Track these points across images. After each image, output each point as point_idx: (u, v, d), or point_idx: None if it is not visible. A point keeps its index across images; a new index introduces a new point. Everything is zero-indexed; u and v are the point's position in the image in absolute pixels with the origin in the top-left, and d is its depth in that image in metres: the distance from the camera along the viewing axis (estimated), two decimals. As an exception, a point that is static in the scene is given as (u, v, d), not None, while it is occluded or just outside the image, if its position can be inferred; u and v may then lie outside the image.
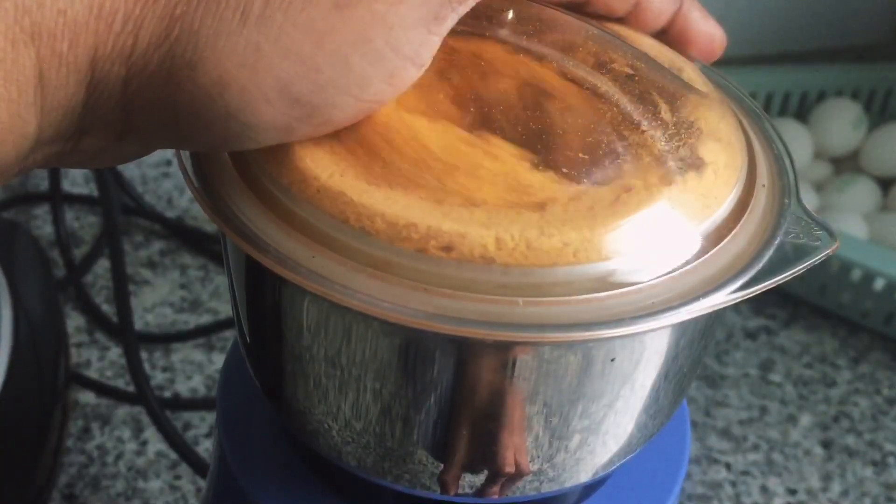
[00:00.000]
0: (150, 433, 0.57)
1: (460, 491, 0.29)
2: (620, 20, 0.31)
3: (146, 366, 0.60)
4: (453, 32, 0.28)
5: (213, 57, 0.23)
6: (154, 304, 0.65)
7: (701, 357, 0.30)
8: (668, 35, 0.31)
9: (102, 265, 0.67)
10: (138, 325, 0.63)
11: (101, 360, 0.61)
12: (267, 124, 0.24)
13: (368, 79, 0.24)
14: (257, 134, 0.24)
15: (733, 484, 0.57)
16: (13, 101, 0.22)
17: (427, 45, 0.25)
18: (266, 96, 0.23)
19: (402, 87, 0.25)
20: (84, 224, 0.71)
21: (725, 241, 0.26)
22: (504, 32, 0.29)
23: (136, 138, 0.25)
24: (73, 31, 0.23)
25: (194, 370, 0.61)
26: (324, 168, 0.25)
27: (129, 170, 0.74)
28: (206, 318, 0.64)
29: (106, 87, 0.24)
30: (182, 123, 0.24)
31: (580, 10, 0.31)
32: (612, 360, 0.26)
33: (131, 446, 0.57)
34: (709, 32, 0.31)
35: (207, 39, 0.23)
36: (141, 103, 0.24)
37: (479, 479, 0.29)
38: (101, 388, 0.59)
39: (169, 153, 0.74)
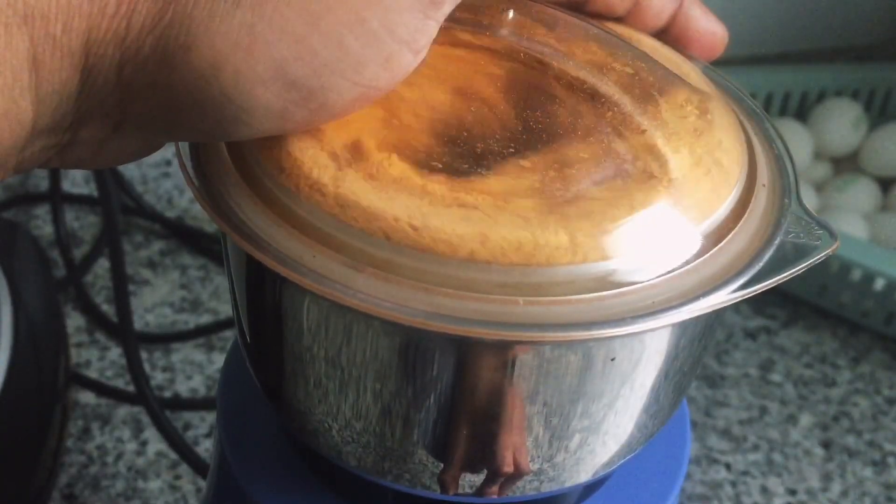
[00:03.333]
0: (150, 433, 0.57)
1: (460, 491, 0.29)
2: (621, 19, 0.31)
3: (146, 366, 0.60)
4: (453, 31, 0.28)
5: (206, 39, 0.23)
6: (154, 304, 0.65)
7: (701, 357, 0.30)
8: (669, 34, 0.31)
9: (102, 265, 0.67)
10: (138, 325, 0.63)
11: (101, 360, 0.61)
12: (262, 108, 0.24)
13: (364, 62, 0.24)
14: (253, 118, 0.24)
15: (733, 484, 0.57)
16: (7, 86, 0.22)
17: (424, 30, 0.24)
18: (261, 78, 0.23)
19: (401, 74, 0.25)
20: (84, 224, 0.71)
21: (725, 240, 0.26)
22: (504, 32, 0.29)
23: (133, 127, 0.25)
24: (66, 13, 0.23)
25: (194, 370, 0.61)
26: (323, 167, 0.25)
27: (129, 170, 0.74)
28: (206, 318, 0.64)
29: (101, 73, 0.24)
30: (177, 109, 0.24)
31: (580, 10, 0.31)
32: (613, 359, 0.26)
33: (131, 446, 0.57)
34: (710, 30, 0.31)
35: (201, 21, 0.23)
36: (136, 89, 0.24)
37: (480, 478, 0.29)
38: (101, 388, 0.59)
39: (169, 153, 0.74)
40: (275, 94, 0.24)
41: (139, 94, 0.24)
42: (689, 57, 0.31)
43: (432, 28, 0.25)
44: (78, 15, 0.23)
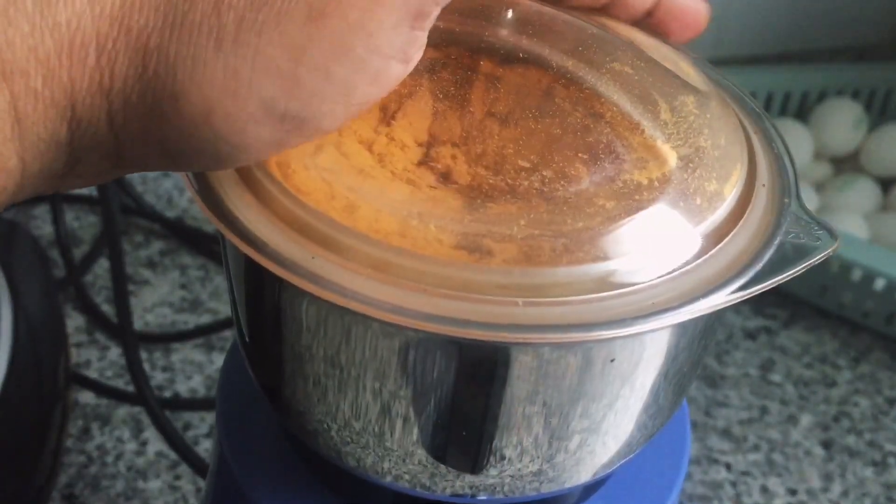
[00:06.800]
0: (150, 433, 0.57)
1: (459, 491, 0.29)
2: (606, 10, 0.31)
3: (146, 366, 0.60)
4: (452, 33, 0.28)
5: (193, 86, 0.23)
6: (154, 304, 0.65)
7: (701, 357, 0.30)
8: (654, 17, 0.31)
9: (102, 265, 0.67)
10: (138, 325, 0.63)
11: (101, 360, 0.61)
12: (257, 143, 0.24)
13: (353, 85, 0.24)
14: (249, 152, 0.24)
15: (733, 484, 0.57)
16: None
17: (412, 41, 0.24)
18: (252, 117, 0.23)
19: (392, 84, 0.25)
20: (84, 224, 0.71)
21: (725, 240, 0.26)
22: (503, 32, 0.29)
23: (131, 166, 0.25)
24: (45, 67, 0.22)
25: (194, 370, 0.61)
26: (323, 169, 0.25)
27: (129, 170, 0.74)
28: (206, 318, 0.64)
29: (91, 122, 0.23)
30: (173, 152, 0.24)
31: (562, 2, 0.30)
32: (612, 360, 0.26)
33: (131, 446, 0.57)
34: (692, 7, 0.31)
35: (185, 68, 0.23)
36: (130, 137, 0.24)
37: (479, 479, 0.29)
38: (101, 388, 0.59)
39: (169, 153, 0.74)
40: (268, 129, 0.24)
41: (134, 142, 0.24)
42: (688, 56, 0.31)
43: (421, 38, 0.24)
44: (58, 68, 0.23)
